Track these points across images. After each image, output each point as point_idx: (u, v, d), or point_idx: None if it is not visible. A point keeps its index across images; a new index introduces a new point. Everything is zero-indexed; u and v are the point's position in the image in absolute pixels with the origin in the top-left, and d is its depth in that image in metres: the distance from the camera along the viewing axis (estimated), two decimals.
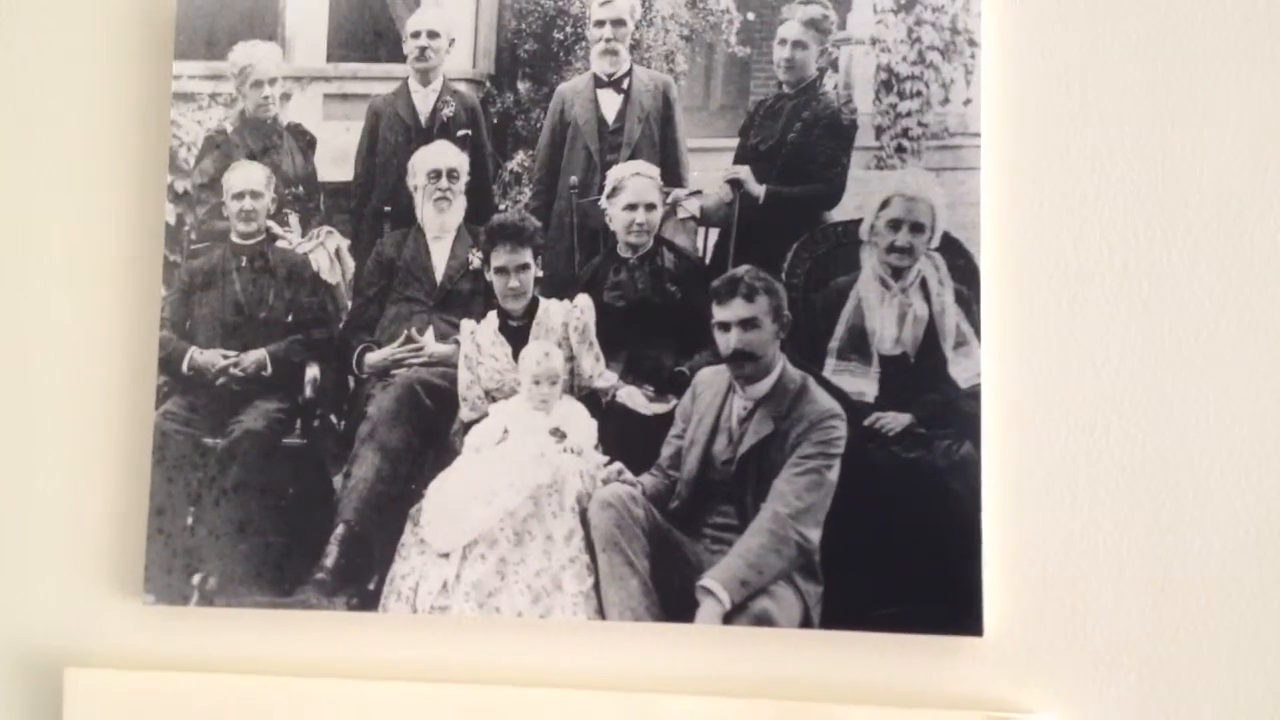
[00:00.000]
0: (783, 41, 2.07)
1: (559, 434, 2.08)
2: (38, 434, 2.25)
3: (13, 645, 2.22)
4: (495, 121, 2.17)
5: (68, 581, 2.22)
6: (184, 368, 2.19)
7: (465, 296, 2.16)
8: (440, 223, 2.17)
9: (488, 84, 2.18)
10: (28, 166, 2.31)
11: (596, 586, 2.03)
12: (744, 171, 2.07)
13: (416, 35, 2.20)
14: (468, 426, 2.12)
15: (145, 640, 2.17)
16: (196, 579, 2.13)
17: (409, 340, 2.15)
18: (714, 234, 2.08)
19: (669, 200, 2.09)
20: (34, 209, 2.29)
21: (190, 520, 2.15)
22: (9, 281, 2.29)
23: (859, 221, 2.01)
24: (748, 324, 2.02)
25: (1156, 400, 1.91)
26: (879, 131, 2.02)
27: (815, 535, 1.95)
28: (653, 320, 2.08)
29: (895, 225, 2.00)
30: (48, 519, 2.23)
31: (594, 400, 2.09)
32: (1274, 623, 1.86)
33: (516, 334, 2.12)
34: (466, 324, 2.14)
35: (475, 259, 2.15)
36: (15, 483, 2.25)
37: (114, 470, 2.22)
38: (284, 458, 2.16)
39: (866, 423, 1.97)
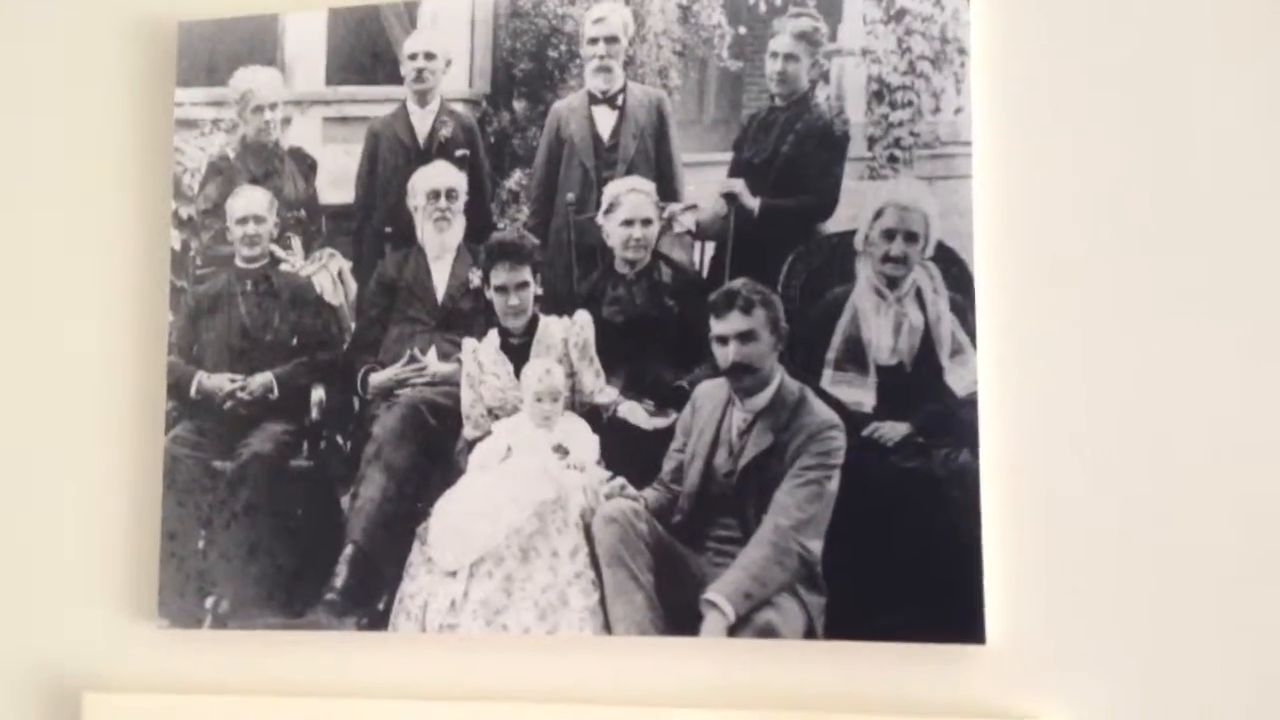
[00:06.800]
0: (774, 55, 2.08)
1: (562, 450, 2.10)
2: (49, 462, 2.29)
3: (32, 671, 2.26)
4: (492, 141, 2.18)
5: (85, 607, 2.25)
6: (192, 392, 2.22)
7: (466, 315, 2.17)
8: (440, 242, 2.19)
9: (484, 104, 2.19)
10: (34, 196, 2.34)
11: (602, 601, 2.04)
12: (739, 185, 2.07)
13: (414, 57, 2.22)
14: (472, 445, 2.13)
15: (161, 663, 2.20)
16: (209, 602, 2.16)
17: (412, 360, 2.17)
18: (710, 248, 2.08)
19: (665, 215, 2.10)
20: (41, 239, 2.33)
21: (202, 544, 2.18)
22: (17, 310, 2.33)
23: (853, 232, 2.01)
24: (745, 337, 2.02)
25: (1153, 405, 1.91)
26: (871, 142, 2.02)
27: (817, 546, 1.96)
28: (651, 335, 2.09)
29: (889, 235, 2.00)
30: (63, 546, 2.27)
31: (595, 416, 2.10)
32: (1278, 627, 1.85)
33: (517, 351, 2.14)
34: (468, 343, 2.16)
35: (475, 278, 2.16)
36: (29, 510, 2.29)
37: (126, 495, 2.25)
38: (292, 480, 2.18)
39: (865, 433, 1.97)
